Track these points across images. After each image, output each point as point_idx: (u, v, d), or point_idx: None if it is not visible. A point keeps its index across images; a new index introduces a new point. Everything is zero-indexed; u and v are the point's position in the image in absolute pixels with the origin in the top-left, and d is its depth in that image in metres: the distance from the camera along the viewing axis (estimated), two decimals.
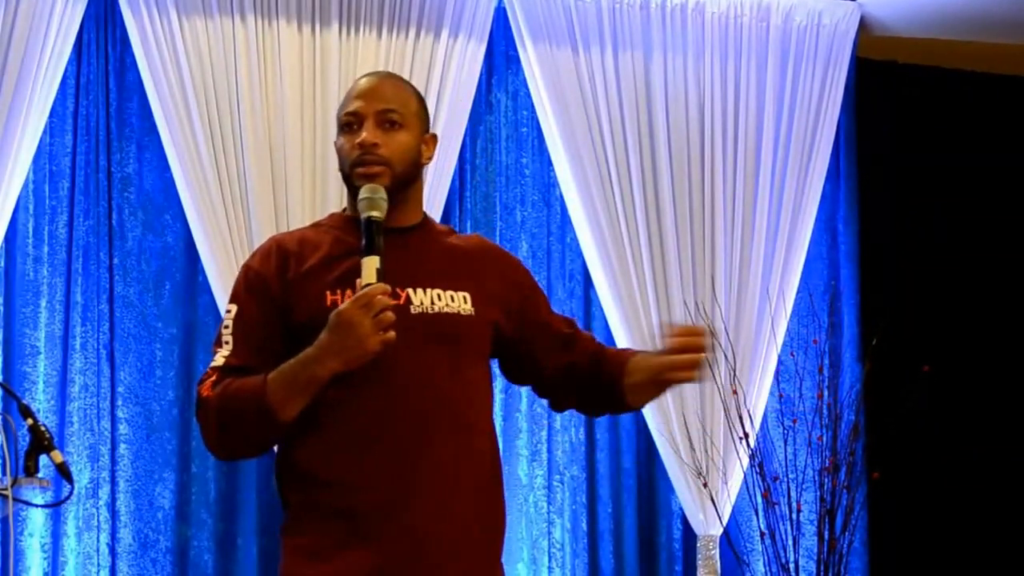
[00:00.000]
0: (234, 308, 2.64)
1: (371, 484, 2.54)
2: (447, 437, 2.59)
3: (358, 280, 2.53)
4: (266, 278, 2.64)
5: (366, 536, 2.53)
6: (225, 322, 2.65)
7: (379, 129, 2.67)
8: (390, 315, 2.49)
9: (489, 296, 2.71)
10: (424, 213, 2.79)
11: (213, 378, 2.58)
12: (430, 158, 2.75)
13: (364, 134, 2.66)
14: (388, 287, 2.51)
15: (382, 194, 2.62)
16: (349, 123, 2.70)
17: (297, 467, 2.60)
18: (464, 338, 2.66)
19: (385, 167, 2.65)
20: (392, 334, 2.49)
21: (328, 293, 2.60)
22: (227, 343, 2.61)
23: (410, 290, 2.63)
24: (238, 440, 2.58)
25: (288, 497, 2.64)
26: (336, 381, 2.53)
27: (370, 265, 2.52)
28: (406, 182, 2.69)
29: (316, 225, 2.77)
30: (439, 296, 2.65)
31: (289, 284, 2.62)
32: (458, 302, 2.66)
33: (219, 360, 2.60)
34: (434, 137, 2.77)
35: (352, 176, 2.67)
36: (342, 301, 2.54)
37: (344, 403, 2.56)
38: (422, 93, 5.70)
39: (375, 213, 2.58)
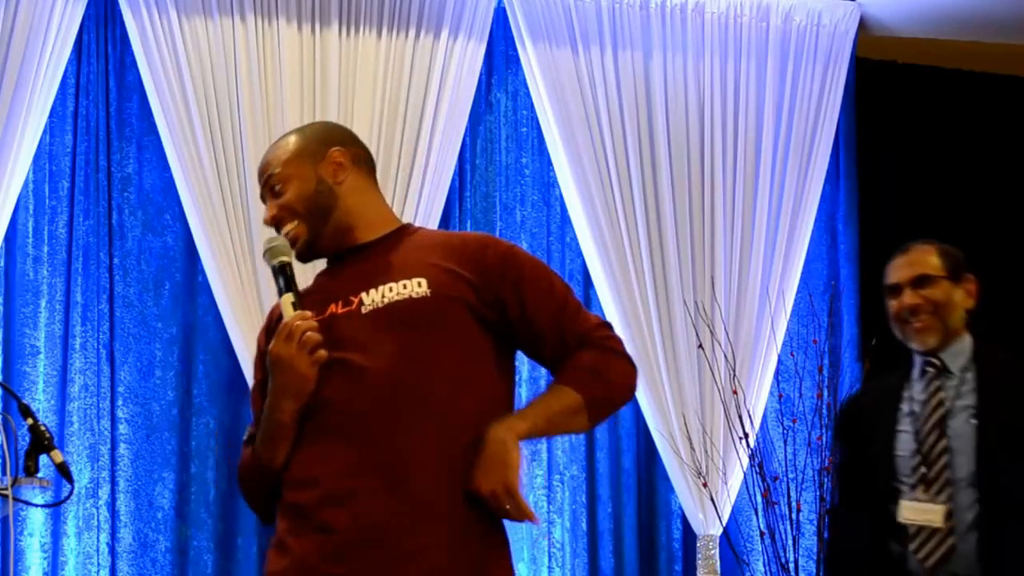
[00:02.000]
0: (253, 381, 2.82)
1: (320, 477, 2.58)
2: (404, 423, 2.56)
3: (287, 302, 2.66)
4: (260, 344, 2.79)
5: (320, 527, 2.55)
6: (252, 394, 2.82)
7: (272, 200, 2.78)
8: (312, 336, 2.58)
9: (449, 276, 2.64)
10: (402, 224, 2.80)
11: (244, 452, 2.75)
12: (339, 175, 2.75)
13: (265, 214, 2.81)
14: (308, 313, 2.62)
15: (279, 241, 2.74)
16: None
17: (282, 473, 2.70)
18: (421, 320, 2.61)
19: (296, 227, 2.74)
20: (322, 353, 2.58)
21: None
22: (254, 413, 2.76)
23: (363, 294, 2.65)
24: (261, 500, 2.71)
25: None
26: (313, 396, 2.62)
27: (286, 302, 2.65)
28: (323, 217, 2.73)
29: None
30: (391, 288, 2.64)
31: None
32: (411, 288, 2.63)
33: (248, 433, 2.76)
34: (339, 152, 2.76)
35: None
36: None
37: (312, 409, 2.62)
38: (422, 93, 5.74)
39: (281, 259, 2.71)
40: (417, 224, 5.41)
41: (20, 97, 5.09)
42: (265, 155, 2.81)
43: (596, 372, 2.65)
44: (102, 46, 5.39)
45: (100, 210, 5.36)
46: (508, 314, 2.65)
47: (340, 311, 2.65)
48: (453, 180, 5.66)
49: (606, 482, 5.80)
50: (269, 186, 2.76)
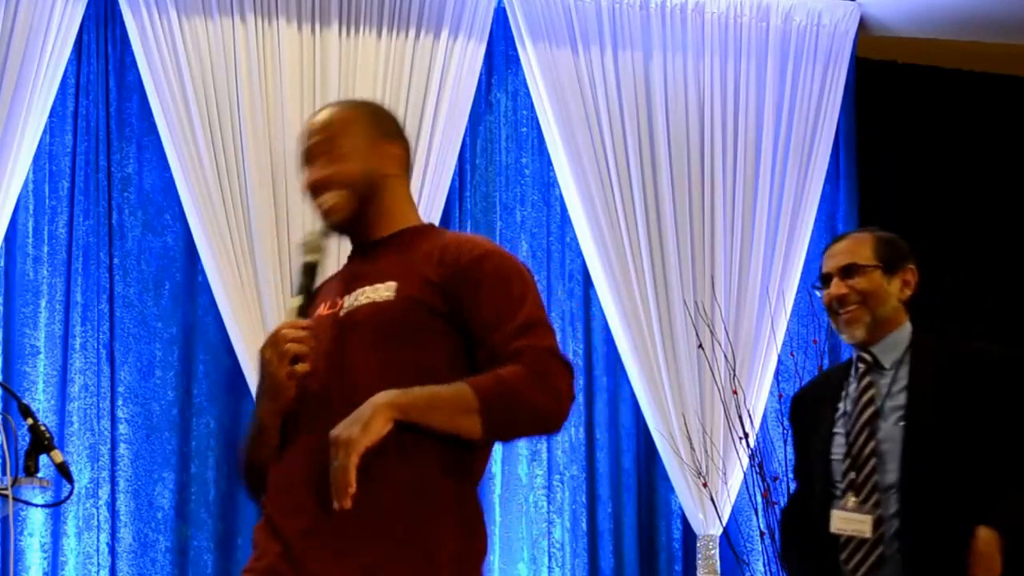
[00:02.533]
0: None
1: (274, 484, 2.62)
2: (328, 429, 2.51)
3: (295, 304, 2.66)
4: None
5: (276, 531, 2.57)
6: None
7: (321, 164, 2.70)
8: (293, 347, 2.56)
9: (419, 279, 2.61)
10: (415, 225, 2.77)
11: None
12: (392, 168, 2.73)
13: (307, 176, 2.72)
14: (300, 322, 2.59)
15: (314, 239, 2.69)
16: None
17: None
18: (378, 322, 2.59)
19: (339, 198, 2.69)
20: (302, 366, 2.56)
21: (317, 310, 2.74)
22: None
23: (347, 297, 2.65)
24: (250, 488, 2.73)
25: None
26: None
27: (292, 305, 2.65)
28: (366, 201, 2.70)
29: None
30: (363, 292, 2.63)
31: None
32: (379, 292, 2.61)
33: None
34: (400, 147, 2.75)
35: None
36: (322, 313, 2.71)
37: (289, 413, 2.63)
38: (422, 93, 5.73)
39: (311, 257, 2.68)
40: None
41: (20, 97, 5.09)
42: (321, 115, 2.74)
43: (505, 385, 2.49)
44: (102, 46, 5.39)
45: (100, 210, 5.35)
46: (462, 316, 2.59)
47: (325, 312, 2.67)
48: (453, 180, 5.66)
49: (606, 482, 5.80)
50: (320, 150, 2.70)
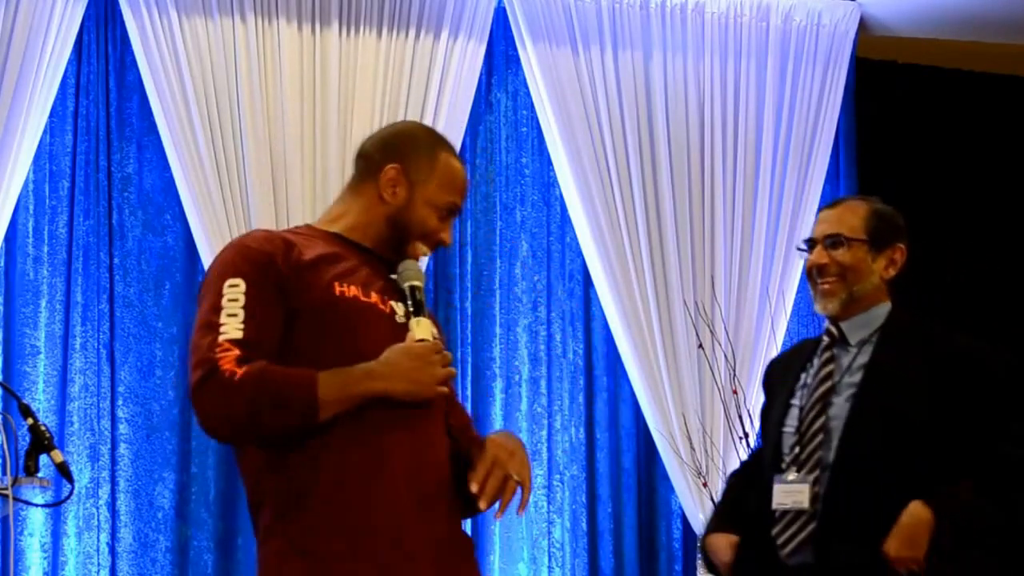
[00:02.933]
0: (240, 283, 2.54)
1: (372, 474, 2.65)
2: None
3: (414, 324, 2.62)
4: (273, 258, 2.58)
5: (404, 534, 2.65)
6: (231, 295, 2.53)
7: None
8: (453, 371, 2.62)
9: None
10: None
11: (236, 353, 2.48)
12: (382, 193, 2.71)
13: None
14: (446, 353, 2.62)
15: (414, 266, 2.71)
16: (452, 211, 2.77)
17: None
18: None
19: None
20: (444, 389, 2.61)
21: (336, 284, 2.60)
22: (235, 316, 2.52)
23: (392, 303, 2.67)
24: (264, 426, 2.49)
25: None
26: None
27: (425, 324, 2.63)
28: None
29: (295, 232, 2.73)
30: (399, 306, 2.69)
31: (296, 269, 2.58)
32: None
33: (234, 332, 2.50)
34: (392, 169, 2.72)
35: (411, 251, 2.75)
36: (349, 293, 2.59)
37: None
38: (422, 93, 5.74)
39: (419, 281, 2.68)
40: None
41: (20, 97, 5.09)
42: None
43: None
44: (102, 46, 5.39)
45: (100, 210, 5.36)
46: None
47: (379, 305, 2.66)
48: None
49: (606, 482, 5.80)
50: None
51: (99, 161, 5.37)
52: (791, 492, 3.14)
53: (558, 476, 5.74)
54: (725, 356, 5.67)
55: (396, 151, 2.71)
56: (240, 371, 2.46)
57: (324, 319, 2.56)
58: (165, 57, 5.28)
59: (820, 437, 3.16)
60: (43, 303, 5.24)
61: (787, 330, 5.91)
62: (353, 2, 5.51)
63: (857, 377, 3.19)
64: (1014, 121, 6.72)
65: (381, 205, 2.70)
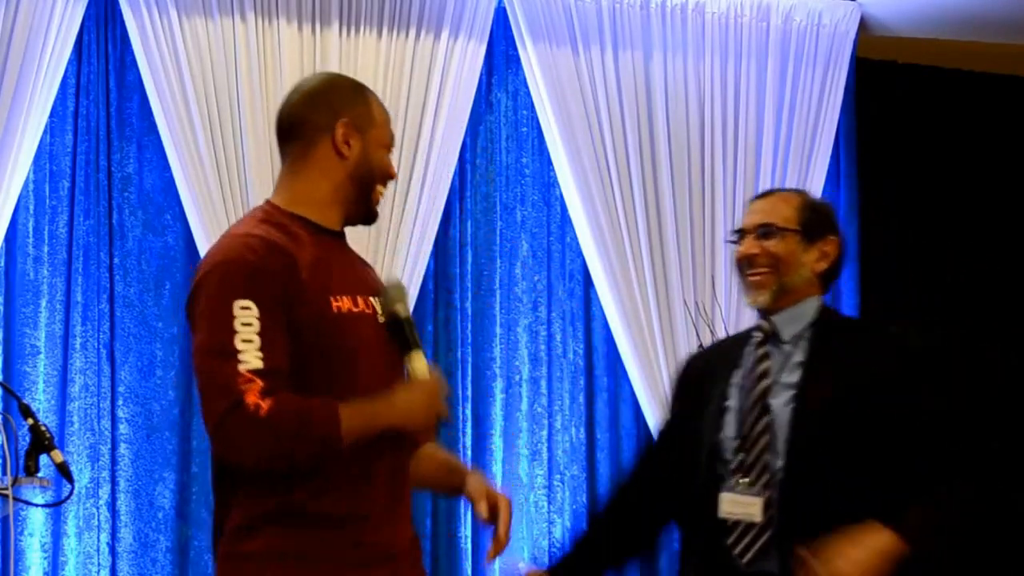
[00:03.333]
0: (252, 305, 2.50)
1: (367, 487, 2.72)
2: None
3: (413, 358, 2.66)
4: (277, 277, 2.54)
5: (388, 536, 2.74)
6: (244, 319, 2.49)
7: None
8: (448, 406, 2.68)
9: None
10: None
11: (260, 384, 2.46)
12: (339, 151, 2.69)
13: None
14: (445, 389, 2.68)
15: (400, 290, 2.73)
16: (393, 144, 2.79)
17: None
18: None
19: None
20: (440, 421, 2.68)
21: (332, 299, 2.59)
22: (251, 342, 2.48)
23: (372, 298, 2.68)
24: (289, 459, 2.50)
25: None
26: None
27: (421, 357, 2.67)
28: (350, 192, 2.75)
29: (267, 222, 2.65)
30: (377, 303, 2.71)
31: (297, 284, 2.55)
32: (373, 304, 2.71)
33: (255, 362, 2.47)
34: (342, 125, 2.69)
35: (375, 196, 2.75)
36: (344, 308, 2.60)
37: None
38: (422, 93, 5.73)
39: (405, 312, 2.71)
40: (419, 225, 5.48)
41: (20, 97, 5.09)
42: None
43: None
44: (102, 46, 5.39)
45: (100, 210, 5.35)
46: None
47: (360, 306, 2.65)
48: (453, 180, 5.66)
49: (606, 482, 5.80)
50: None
51: (99, 161, 5.36)
52: (741, 503, 3.01)
53: (558, 476, 5.74)
54: None
55: (334, 107, 2.69)
56: (265, 405, 2.44)
57: (323, 335, 2.55)
58: (165, 57, 5.28)
59: (765, 439, 3.03)
60: (43, 303, 5.24)
61: None
62: (353, 2, 5.51)
63: (796, 376, 3.07)
64: (1014, 121, 6.73)
65: (341, 164, 2.68)
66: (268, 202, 2.71)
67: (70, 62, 5.28)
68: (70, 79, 5.32)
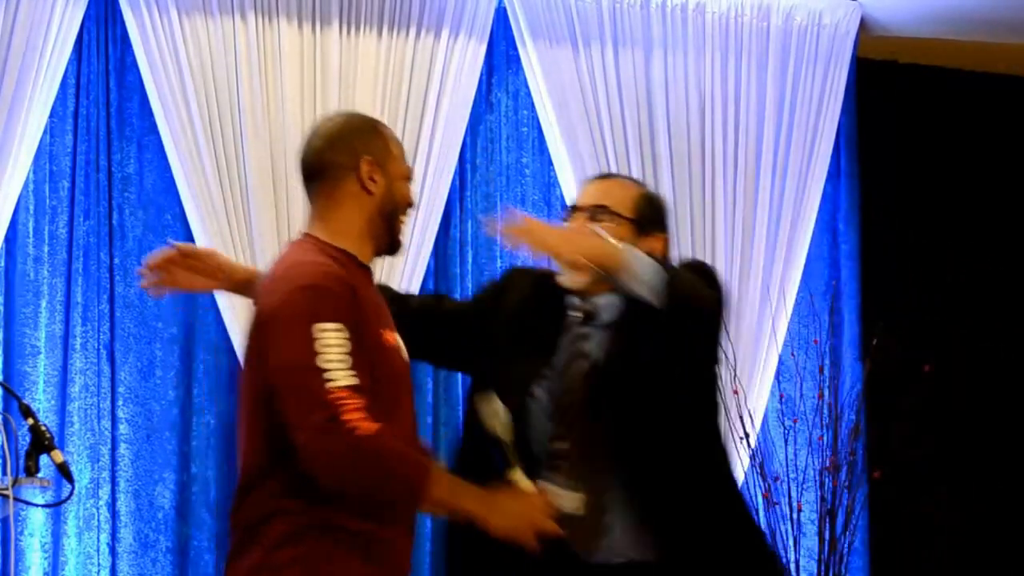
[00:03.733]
0: (340, 328, 2.60)
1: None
2: None
3: (517, 477, 2.84)
4: (350, 303, 2.65)
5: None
6: (328, 340, 2.58)
7: None
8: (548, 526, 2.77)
9: None
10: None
11: (359, 401, 2.55)
12: (366, 187, 2.79)
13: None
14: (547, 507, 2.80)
15: (502, 414, 2.92)
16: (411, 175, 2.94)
17: None
18: None
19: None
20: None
21: (384, 332, 2.73)
22: (342, 362, 2.57)
23: (397, 335, 2.81)
24: (367, 489, 2.62)
25: None
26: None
27: (523, 476, 2.85)
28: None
29: (324, 253, 2.74)
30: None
31: (360, 315, 2.66)
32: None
33: (349, 379, 2.56)
34: (366, 162, 2.80)
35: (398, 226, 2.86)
36: (393, 342, 2.76)
37: None
38: (422, 93, 5.73)
39: (507, 435, 2.90)
40: (419, 225, 5.47)
41: (20, 97, 5.09)
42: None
43: None
44: (102, 46, 5.39)
45: (100, 210, 5.35)
46: None
47: (395, 343, 2.81)
48: (453, 180, 5.66)
49: None
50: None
51: (99, 161, 5.36)
52: (563, 497, 2.90)
53: None
54: (725, 356, 5.66)
55: (355, 146, 2.81)
56: (364, 428, 2.53)
57: (378, 366, 2.67)
58: (165, 57, 5.28)
59: (582, 423, 3.00)
60: (43, 303, 5.24)
61: (787, 330, 5.91)
62: (353, 2, 5.51)
63: (601, 356, 3.03)
64: (1014, 121, 6.72)
65: (369, 199, 2.79)
66: (308, 235, 2.80)
67: (70, 62, 5.27)
68: (70, 79, 5.31)
